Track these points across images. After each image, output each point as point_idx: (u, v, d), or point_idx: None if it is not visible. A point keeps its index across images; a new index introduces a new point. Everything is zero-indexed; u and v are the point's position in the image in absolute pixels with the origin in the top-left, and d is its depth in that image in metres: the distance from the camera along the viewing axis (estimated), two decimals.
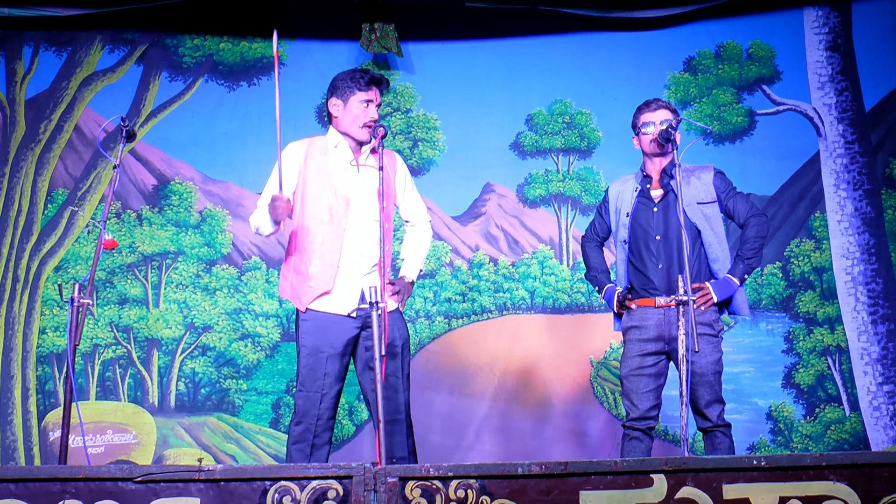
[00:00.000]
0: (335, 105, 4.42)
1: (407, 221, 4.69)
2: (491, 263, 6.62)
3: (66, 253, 6.43)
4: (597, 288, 4.93)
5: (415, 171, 6.61)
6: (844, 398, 6.43)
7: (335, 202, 4.32)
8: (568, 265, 6.60)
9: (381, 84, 4.44)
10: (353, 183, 4.37)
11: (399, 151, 6.59)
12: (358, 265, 4.32)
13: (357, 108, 4.37)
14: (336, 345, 4.29)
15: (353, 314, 4.26)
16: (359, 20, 6.50)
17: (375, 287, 3.83)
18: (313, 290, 4.29)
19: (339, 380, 4.33)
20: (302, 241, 4.34)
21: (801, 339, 6.50)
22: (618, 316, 4.78)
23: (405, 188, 4.62)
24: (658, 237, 4.60)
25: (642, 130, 4.68)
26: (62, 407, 3.99)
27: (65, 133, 6.56)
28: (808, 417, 6.41)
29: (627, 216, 4.70)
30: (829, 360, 6.48)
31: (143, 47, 6.70)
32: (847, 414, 6.41)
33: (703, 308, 4.48)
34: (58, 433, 5.88)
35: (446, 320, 6.53)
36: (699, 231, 4.58)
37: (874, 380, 6.42)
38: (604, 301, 4.95)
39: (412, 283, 4.55)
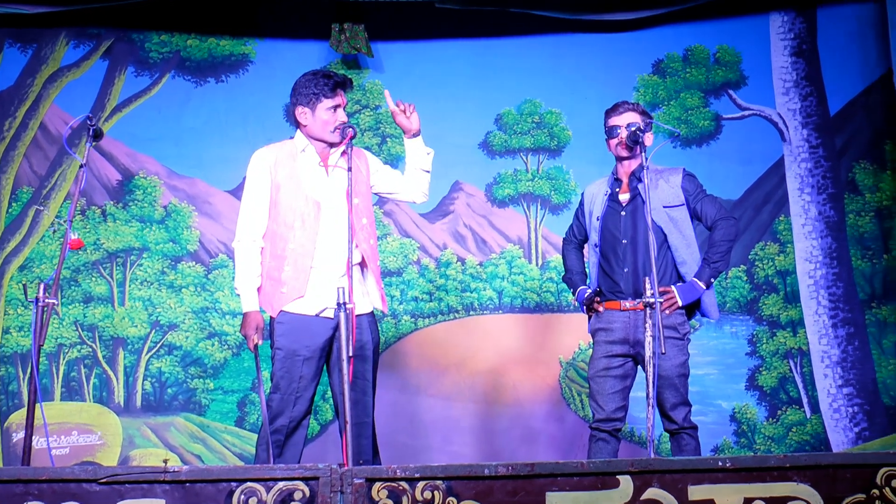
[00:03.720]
0: (302, 113, 4.41)
1: (392, 193, 4.72)
2: (458, 263, 6.62)
3: (31, 252, 6.36)
4: (571, 289, 4.95)
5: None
6: (805, 400, 6.49)
7: (306, 207, 4.31)
8: (537, 264, 6.62)
9: (345, 86, 4.45)
10: (324, 186, 4.37)
11: (368, 148, 6.59)
12: (334, 267, 4.31)
13: (326, 115, 4.37)
14: (312, 347, 4.28)
15: (331, 315, 4.23)
16: (328, 20, 6.48)
17: (344, 288, 3.82)
18: (286, 296, 4.28)
19: (314, 382, 4.32)
20: (275, 248, 4.32)
21: (765, 341, 6.56)
22: (589, 318, 4.81)
23: (379, 173, 4.64)
24: (625, 241, 4.62)
25: (609, 134, 4.70)
26: (26, 408, 3.95)
27: (30, 130, 6.49)
28: (770, 419, 6.47)
29: (598, 220, 4.72)
30: (791, 363, 6.54)
31: (108, 42, 6.64)
32: (808, 416, 6.47)
33: (667, 311, 4.50)
34: (21, 434, 5.82)
35: (413, 319, 6.52)
36: (665, 235, 4.60)
37: (834, 382, 6.48)
38: (577, 303, 4.97)
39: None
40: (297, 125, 4.47)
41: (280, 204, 4.33)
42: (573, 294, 4.94)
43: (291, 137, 4.53)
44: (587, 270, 4.93)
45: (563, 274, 5.07)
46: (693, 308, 4.67)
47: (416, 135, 4.61)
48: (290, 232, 4.30)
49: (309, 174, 4.38)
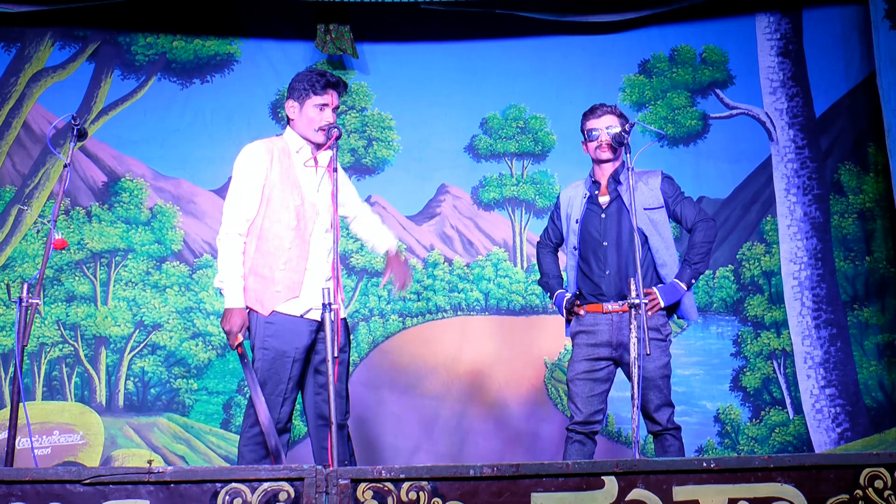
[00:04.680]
0: (292, 107, 4.38)
1: (348, 216, 4.69)
2: (446, 263, 6.62)
3: (13, 251, 6.32)
4: (548, 293, 4.94)
5: (369, 170, 6.60)
6: (788, 401, 6.51)
7: (302, 208, 4.27)
8: (522, 267, 6.62)
9: (338, 87, 4.38)
10: (318, 187, 4.33)
11: (353, 150, 6.59)
12: (323, 270, 4.28)
13: (312, 112, 4.33)
14: (300, 348, 4.24)
15: (314, 316, 4.22)
16: (314, 19, 6.47)
17: (329, 289, 3.80)
18: (280, 295, 4.21)
19: (299, 384, 4.30)
20: (266, 245, 4.25)
21: (749, 342, 6.58)
22: (567, 322, 4.79)
23: (346, 188, 4.65)
24: (606, 243, 4.61)
25: (588, 137, 4.69)
26: (9, 408, 3.93)
27: (13, 129, 6.46)
28: (753, 420, 6.49)
29: (577, 223, 4.70)
30: (775, 364, 6.56)
31: (94, 45, 6.62)
32: (791, 417, 6.50)
33: (650, 313, 4.50)
34: (3, 435, 5.79)
35: (400, 319, 6.52)
36: (646, 237, 4.59)
37: (817, 383, 6.50)
38: (555, 307, 4.95)
39: (400, 256, 4.62)
40: (288, 120, 4.44)
41: (274, 201, 4.26)
42: (550, 297, 4.92)
43: (279, 135, 4.50)
44: (563, 274, 4.92)
45: (538, 278, 5.05)
46: (671, 310, 4.67)
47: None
48: (286, 231, 4.24)
49: (305, 174, 4.34)
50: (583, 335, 4.65)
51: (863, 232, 6.67)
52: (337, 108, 4.39)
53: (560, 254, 4.97)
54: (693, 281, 4.61)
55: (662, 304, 4.54)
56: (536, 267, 6.51)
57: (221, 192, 6.43)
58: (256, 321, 4.26)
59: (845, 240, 6.65)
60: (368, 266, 6.50)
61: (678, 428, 4.56)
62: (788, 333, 6.57)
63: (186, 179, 6.57)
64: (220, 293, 4.30)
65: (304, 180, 4.33)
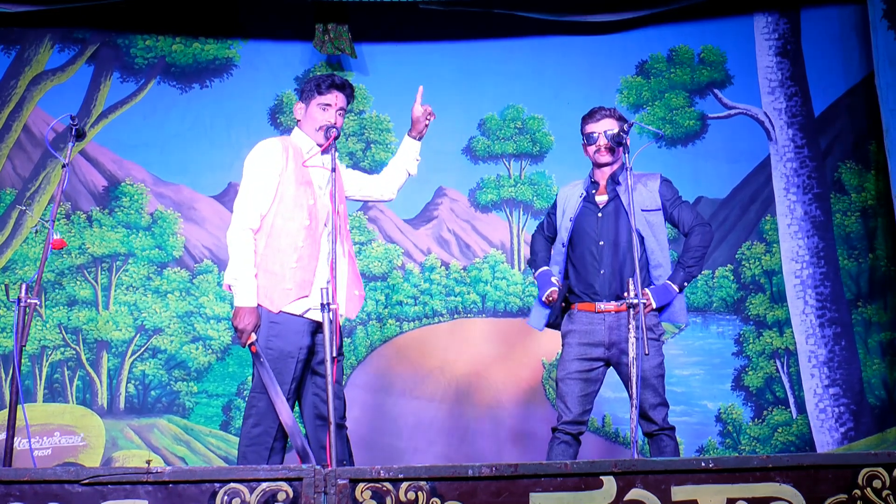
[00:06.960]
0: (299, 108, 4.42)
1: (359, 192, 4.74)
2: (443, 267, 6.62)
3: (14, 253, 6.34)
4: (533, 269, 4.91)
5: (367, 173, 6.60)
6: (792, 401, 6.50)
7: (315, 208, 4.28)
8: (519, 269, 6.62)
9: (344, 89, 4.38)
10: (328, 188, 4.33)
11: (352, 153, 6.59)
12: (326, 270, 4.27)
13: (316, 112, 4.34)
14: (303, 349, 4.24)
15: (313, 316, 4.21)
16: (312, 21, 6.48)
17: (328, 289, 3.81)
18: (291, 292, 4.20)
19: (299, 385, 4.31)
20: (277, 242, 4.23)
21: (751, 341, 6.57)
22: (545, 303, 4.71)
23: (349, 177, 4.66)
24: (602, 242, 4.61)
25: (588, 140, 4.70)
26: (7, 408, 3.94)
27: (13, 132, 6.47)
28: (756, 420, 6.48)
29: (570, 220, 4.70)
30: (778, 363, 6.55)
31: (93, 47, 6.63)
32: (794, 416, 6.49)
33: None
34: (2, 435, 5.79)
35: (398, 323, 6.52)
36: (642, 238, 4.59)
37: (820, 382, 6.49)
38: (534, 280, 4.88)
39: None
40: (297, 122, 4.46)
41: (287, 199, 4.25)
42: (534, 273, 4.89)
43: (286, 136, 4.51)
44: (551, 257, 4.90)
45: (533, 272, 5.03)
46: (659, 311, 4.66)
47: (420, 137, 4.69)
48: (300, 230, 4.24)
49: (317, 175, 4.35)
50: (575, 334, 4.64)
51: (865, 230, 6.67)
52: (343, 110, 4.40)
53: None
54: (685, 284, 4.62)
55: (654, 306, 4.54)
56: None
57: (221, 197, 6.46)
58: (262, 320, 4.24)
59: (848, 238, 6.65)
60: (366, 270, 6.50)
61: (673, 428, 4.56)
62: (792, 332, 6.57)
63: (186, 185, 6.57)
64: (227, 289, 4.26)
65: (317, 181, 4.34)
